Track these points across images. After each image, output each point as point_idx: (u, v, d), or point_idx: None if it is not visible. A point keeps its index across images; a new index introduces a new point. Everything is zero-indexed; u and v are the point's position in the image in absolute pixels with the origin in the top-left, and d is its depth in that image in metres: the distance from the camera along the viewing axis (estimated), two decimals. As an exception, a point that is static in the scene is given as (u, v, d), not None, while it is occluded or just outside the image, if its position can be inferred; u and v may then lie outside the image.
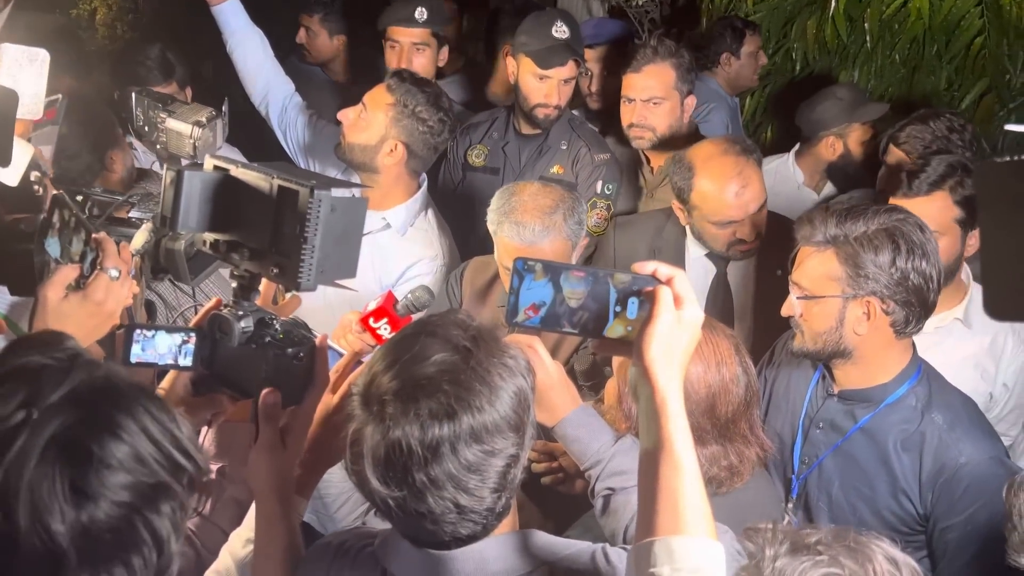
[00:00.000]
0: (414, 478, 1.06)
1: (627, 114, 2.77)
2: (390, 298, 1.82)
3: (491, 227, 2.15)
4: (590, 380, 1.88)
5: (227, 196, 1.24)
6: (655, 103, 2.72)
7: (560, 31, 2.71)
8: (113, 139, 2.43)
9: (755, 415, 1.64)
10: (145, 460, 0.84)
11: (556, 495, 1.87)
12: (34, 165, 1.82)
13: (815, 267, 1.77)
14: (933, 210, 2.04)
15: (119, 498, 0.81)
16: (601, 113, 3.18)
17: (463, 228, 2.65)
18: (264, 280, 1.31)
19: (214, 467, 1.42)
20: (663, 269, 1.09)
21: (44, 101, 1.81)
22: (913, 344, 1.86)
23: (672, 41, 2.82)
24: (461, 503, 1.09)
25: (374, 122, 2.39)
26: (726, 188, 2.27)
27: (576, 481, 1.82)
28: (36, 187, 1.87)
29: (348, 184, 2.23)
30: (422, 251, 2.42)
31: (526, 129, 2.84)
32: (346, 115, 2.42)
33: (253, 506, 1.32)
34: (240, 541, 1.32)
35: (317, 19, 3.49)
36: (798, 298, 1.81)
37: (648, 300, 1.08)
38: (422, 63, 2.98)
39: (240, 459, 1.36)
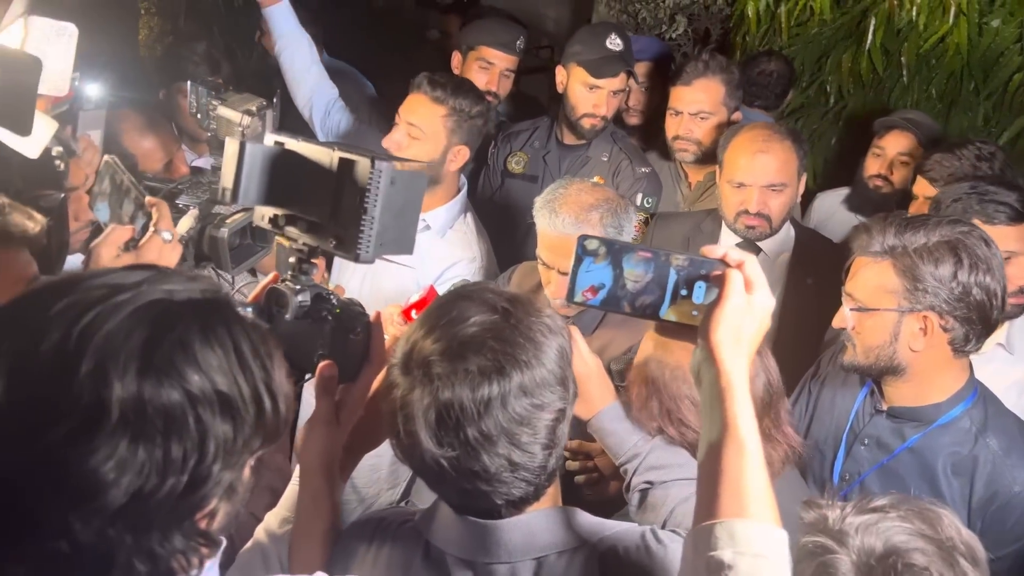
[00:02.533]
0: (467, 435, 1.06)
1: (673, 126, 2.80)
2: (432, 292, 1.83)
3: (536, 218, 2.15)
4: (625, 381, 1.86)
5: (287, 169, 1.24)
6: (703, 117, 2.76)
7: (614, 43, 2.74)
8: (174, 145, 2.48)
9: (781, 413, 1.58)
10: (225, 372, 0.82)
11: (587, 501, 1.85)
12: (57, 141, 1.83)
13: (871, 278, 1.73)
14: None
15: (184, 387, 0.79)
16: (639, 129, 3.20)
17: (500, 233, 2.66)
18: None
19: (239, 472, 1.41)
20: (734, 253, 1.08)
21: (70, 77, 1.81)
22: (970, 364, 1.81)
23: (723, 57, 2.85)
24: (514, 459, 1.08)
25: (432, 136, 2.40)
26: (747, 147, 2.36)
27: (610, 483, 1.79)
28: (58, 162, 1.86)
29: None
30: (461, 253, 2.43)
31: (569, 139, 2.87)
32: (397, 143, 2.41)
33: (290, 486, 1.31)
34: (277, 520, 1.31)
35: None
36: (851, 310, 1.76)
37: (716, 284, 1.07)
38: (506, 86, 3.04)
39: (277, 445, 1.35)
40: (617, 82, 2.76)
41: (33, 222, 1.51)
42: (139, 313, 0.80)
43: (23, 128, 1.50)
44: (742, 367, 1.05)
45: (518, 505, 1.14)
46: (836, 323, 1.80)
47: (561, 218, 2.05)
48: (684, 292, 1.09)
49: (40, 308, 0.79)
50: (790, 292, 2.35)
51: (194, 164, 2.76)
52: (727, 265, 1.07)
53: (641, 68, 3.14)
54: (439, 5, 8.55)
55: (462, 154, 2.44)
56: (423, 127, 2.40)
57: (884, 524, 1.08)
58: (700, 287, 1.09)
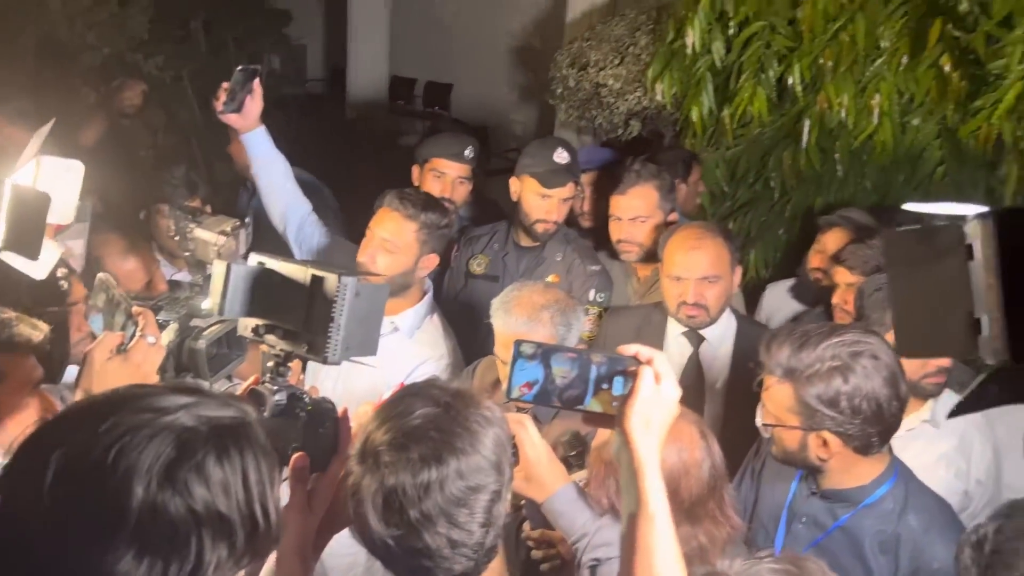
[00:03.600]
0: (409, 516, 1.21)
1: (615, 231, 3.05)
2: (402, 388, 1.98)
3: (492, 319, 2.33)
4: (574, 450, 2.00)
5: (266, 286, 1.43)
6: (641, 221, 3.01)
7: (561, 156, 3.02)
8: (153, 264, 2.67)
9: (724, 496, 1.73)
10: (229, 493, 0.92)
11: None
12: (61, 263, 2.04)
13: (775, 397, 1.89)
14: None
15: (191, 506, 0.89)
16: (593, 230, 3.45)
17: (465, 332, 2.84)
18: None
19: None
20: (644, 351, 1.27)
21: (75, 208, 2.03)
22: (889, 446, 1.95)
23: (654, 165, 3.11)
24: (454, 537, 1.23)
25: (405, 248, 2.62)
26: (682, 244, 2.60)
27: (573, 569, 1.93)
28: (62, 282, 2.09)
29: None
30: (429, 352, 2.60)
31: (525, 241, 3.11)
32: (372, 256, 2.62)
33: (266, 567, 1.44)
34: None
35: None
36: (764, 424, 1.93)
37: (631, 378, 1.26)
38: (461, 193, 3.30)
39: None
40: (565, 191, 3.03)
41: (37, 331, 1.71)
42: (171, 437, 0.91)
43: (32, 253, 1.70)
44: (653, 450, 1.23)
45: None
46: (759, 421, 1.95)
47: (514, 318, 2.24)
48: (605, 385, 1.27)
49: (92, 423, 0.91)
50: (734, 377, 2.54)
51: (172, 278, 2.93)
52: (639, 361, 1.27)
53: (589, 176, 3.42)
54: (412, 112, 8.96)
55: (432, 261, 2.66)
56: (396, 241, 2.62)
57: (757, 568, 1.24)
58: (619, 380, 1.27)
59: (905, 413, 2.00)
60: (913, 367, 2.15)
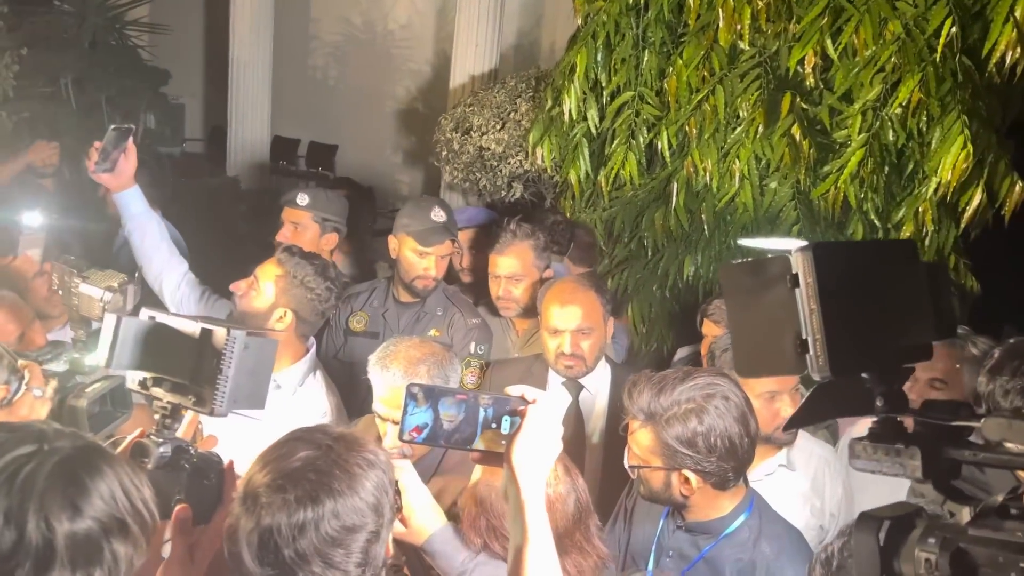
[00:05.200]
0: (284, 555, 1.24)
1: (495, 287, 3.19)
2: (288, 433, 1.99)
3: (369, 374, 2.36)
4: None
5: (156, 339, 1.45)
6: (517, 279, 3.13)
7: (438, 215, 3.11)
8: (27, 318, 2.58)
9: (591, 527, 1.82)
10: (117, 500, 1.06)
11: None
12: None
13: (639, 440, 2.01)
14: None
15: (97, 520, 1.01)
16: (472, 285, 3.56)
17: (345, 389, 2.86)
18: (186, 422, 1.50)
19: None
20: (529, 391, 1.35)
21: None
22: (746, 479, 2.09)
23: (528, 225, 3.26)
24: None
25: (264, 291, 2.62)
26: (557, 298, 2.73)
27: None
28: None
29: (261, 331, 2.43)
30: (311, 409, 2.61)
31: (404, 297, 3.18)
32: (238, 286, 2.65)
33: None
34: None
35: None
36: (631, 466, 2.04)
37: (518, 417, 1.34)
38: (303, 241, 3.31)
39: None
40: (443, 248, 3.14)
41: None
42: (55, 469, 1.01)
43: None
44: (538, 484, 1.31)
45: None
46: (626, 463, 2.07)
47: (392, 372, 2.28)
48: (494, 425, 1.34)
49: None
50: (612, 422, 2.66)
51: (51, 337, 2.84)
52: (525, 401, 1.34)
53: (469, 234, 3.54)
54: (295, 172, 8.94)
55: (288, 318, 2.62)
56: (261, 280, 2.63)
57: None
58: (507, 420, 1.35)
59: (763, 457, 2.16)
60: (765, 421, 2.29)
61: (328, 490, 1.28)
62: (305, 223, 3.41)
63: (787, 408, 2.35)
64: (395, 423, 2.25)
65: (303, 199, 3.43)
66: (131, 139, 2.81)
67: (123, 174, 2.84)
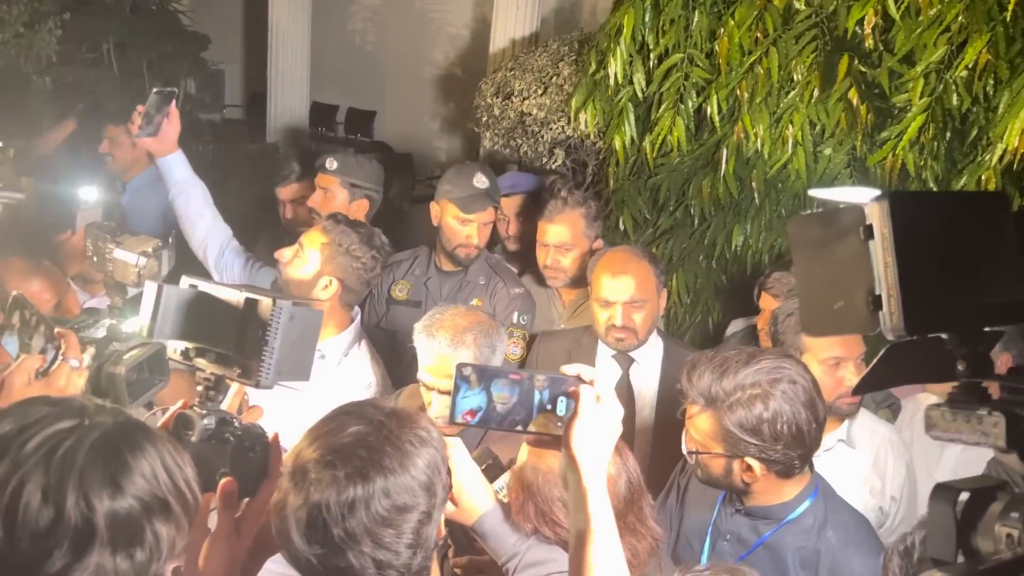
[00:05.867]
0: (333, 534, 1.20)
1: (542, 256, 3.10)
2: (338, 407, 1.95)
3: (415, 343, 2.31)
4: (483, 463, 1.98)
5: (198, 309, 1.40)
6: (566, 249, 3.04)
7: (481, 181, 3.03)
8: (63, 286, 2.57)
9: (644, 508, 1.74)
10: (159, 478, 1.02)
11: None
12: None
13: (698, 425, 1.92)
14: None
15: (138, 499, 0.97)
16: (518, 254, 3.48)
17: (388, 359, 2.81)
18: (232, 392, 1.46)
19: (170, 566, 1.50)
20: (587, 371, 1.28)
21: None
22: (811, 463, 2.00)
23: (580, 193, 3.16)
24: (379, 558, 1.21)
25: (310, 259, 2.58)
26: (609, 269, 2.64)
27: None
28: None
29: (306, 300, 2.39)
30: (356, 380, 2.56)
31: (447, 266, 3.11)
32: (283, 254, 2.61)
33: None
34: None
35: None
36: (689, 451, 1.96)
37: (574, 399, 1.27)
38: (333, 206, 3.24)
39: (195, 557, 1.45)
40: (485, 216, 3.06)
41: None
42: (95, 445, 0.97)
43: None
44: (599, 470, 1.24)
45: None
46: (684, 448, 1.98)
47: (438, 340, 2.23)
48: (549, 407, 1.28)
49: (9, 452, 0.95)
50: (663, 397, 2.58)
51: (87, 305, 2.83)
52: (582, 381, 1.27)
53: (516, 201, 3.45)
54: (334, 139, 8.91)
55: (333, 287, 2.57)
56: (306, 247, 2.58)
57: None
58: (562, 402, 1.28)
59: (823, 431, 2.06)
60: (828, 389, 2.19)
61: (379, 467, 1.23)
62: (334, 189, 3.33)
63: (851, 377, 2.25)
64: (440, 392, 2.21)
65: (332, 164, 3.35)
66: (174, 103, 2.76)
67: (167, 138, 2.80)
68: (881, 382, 1.18)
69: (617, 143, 3.94)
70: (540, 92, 4.88)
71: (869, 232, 0.88)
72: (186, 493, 1.04)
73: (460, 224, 3.06)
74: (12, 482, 0.92)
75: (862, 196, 0.94)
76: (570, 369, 1.28)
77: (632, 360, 2.71)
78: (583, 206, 3.11)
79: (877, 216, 0.88)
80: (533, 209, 3.39)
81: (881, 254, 0.87)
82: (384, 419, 1.28)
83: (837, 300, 0.94)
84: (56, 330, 1.60)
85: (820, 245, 0.96)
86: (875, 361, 0.97)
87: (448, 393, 2.17)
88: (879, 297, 0.87)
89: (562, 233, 3.09)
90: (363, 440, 1.25)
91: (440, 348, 2.22)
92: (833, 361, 2.25)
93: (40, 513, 0.92)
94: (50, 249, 3.12)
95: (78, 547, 0.93)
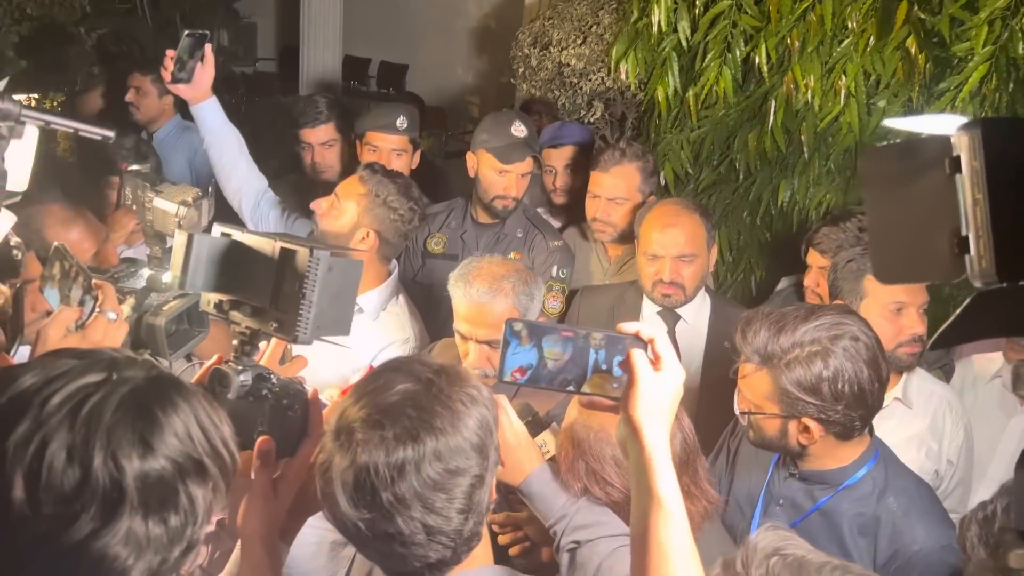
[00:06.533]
0: (381, 498, 1.13)
1: (592, 208, 2.98)
2: (371, 371, 1.90)
3: (451, 292, 2.24)
4: (524, 420, 1.94)
5: (232, 259, 1.33)
6: (619, 202, 2.93)
7: (519, 130, 2.92)
8: (102, 235, 2.54)
9: (699, 470, 1.67)
10: (193, 437, 0.94)
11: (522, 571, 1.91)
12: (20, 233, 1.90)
13: (753, 384, 1.83)
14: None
15: (170, 460, 0.91)
16: (564, 207, 3.38)
17: (424, 313, 2.75)
18: (274, 341, 1.39)
19: (213, 519, 1.46)
20: (646, 330, 1.19)
21: (29, 175, 1.90)
22: (871, 427, 1.91)
23: (639, 145, 3.04)
24: (429, 523, 1.15)
25: (347, 211, 2.51)
26: (658, 221, 2.54)
27: (542, 550, 1.86)
28: (16, 252, 1.94)
29: (344, 249, 2.34)
30: (394, 334, 2.51)
31: (483, 218, 3.02)
32: (319, 204, 2.54)
33: (234, 555, 1.36)
34: None
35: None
36: (742, 412, 1.87)
37: (630, 359, 1.18)
38: (399, 166, 3.14)
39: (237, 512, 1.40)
40: (524, 166, 2.95)
41: None
42: (124, 401, 0.90)
43: None
44: (662, 439, 1.15)
45: (439, 568, 1.20)
46: (736, 408, 1.89)
47: (475, 288, 2.16)
48: (604, 367, 1.19)
49: (32, 408, 0.88)
50: (709, 356, 2.50)
51: (124, 255, 2.80)
52: (640, 340, 1.18)
53: (566, 152, 3.34)
54: (366, 93, 8.81)
55: (371, 239, 2.51)
56: (342, 200, 2.51)
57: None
58: (617, 361, 1.19)
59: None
60: (888, 336, 2.09)
61: (429, 428, 1.16)
62: (404, 147, 3.23)
63: (914, 325, 2.15)
64: (478, 342, 2.15)
65: (403, 123, 3.21)
66: (207, 48, 2.68)
67: (201, 85, 2.72)
68: (966, 334, 1.07)
69: (659, 94, 3.81)
70: (579, 42, 4.74)
71: (956, 165, 0.80)
72: (223, 453, 0.96)
73: (498, 175, 2.96)
74: (35, 440, 0.85)
75: (947, 125, 0.83)
76: (629, 327, 1.19)
77: (678, 317, 2.61)
78: (641, 159, 2.98)
79: (966, 146, 0.79)
80: (582, 161, 3.28)
81: (969, 189, 0.79)
82: (433, 376, 1.21)
83: (916, 243, 0.85)
84: (93, 281, 1.54)
85: (898, 180, 0.87)
86: (960, 310, 0.87)
87: (486, 343, 2.14)
88: (966, 239, 0.79)
89: (616, 185, 2.96)
90: (412, 399, 1.18)
91: (478, 296, 2.16)
92: (895, 307, 2.15)
93: (65, 474, 0.85)
94: (89, 197, 3.08)
95: (106, 511, 0.86)
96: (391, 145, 3.20)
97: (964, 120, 0.83)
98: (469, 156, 3.06)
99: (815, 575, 1.02)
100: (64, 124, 1.59)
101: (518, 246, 3.01)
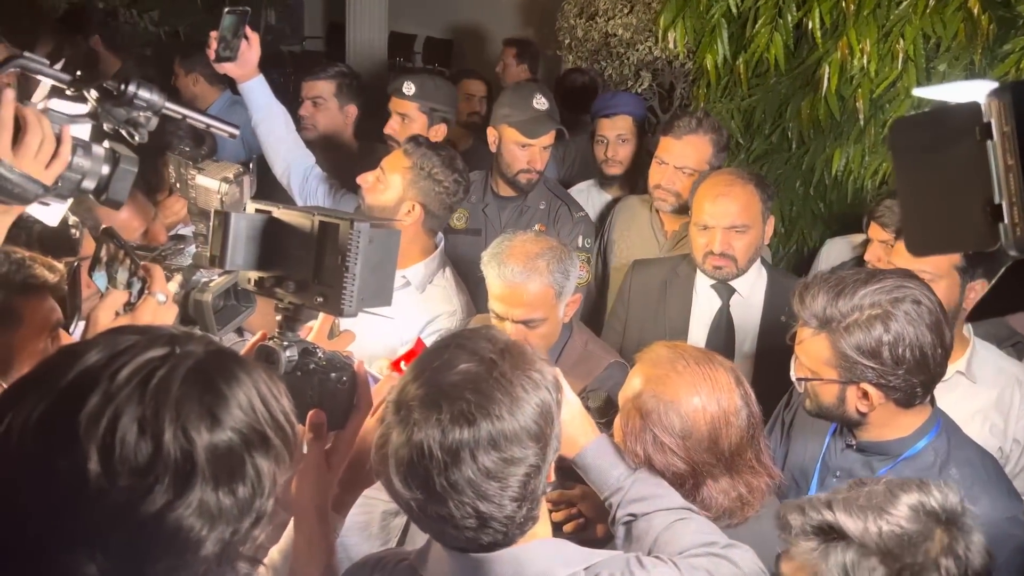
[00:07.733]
0: (434, 482, 1.12)
1: (656, 175, 2.91)
2: (420, 344, 1.90)
3: (484, 272, 2.22)
4: (604, 417, 1.93)
5: (270, 235, 1.33)
6: (687, 172, 2.86)
7: (540, 103, 2.90)
8: (151, 213, 2.57)
9: (761, 444, 1.64)
10: (256, 410, 0.94)
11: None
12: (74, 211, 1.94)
13: (810, 349, 1.77)
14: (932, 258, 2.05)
15: (237, 432, 0.91)
16: (617, 178, 3.34)
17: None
18: (321, 317, 1.39)
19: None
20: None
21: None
22: (932, 396, 1.85)
23: (716, 119, 2.97)
24: (481, 510, 1.13)
25: (392, 184, 2.50)
26: (710, 191, 2.46)
27: (596, 526, 1.85)
28: (73, 231, 1.98)
29: (383, 220, 2.34)
30: (441, 307, 2.50)
31: (504, 191, 3.01)
32: (365, 179, 2.54)
33: (288, 527, 1.37)
34: (279, 554, 1.36)
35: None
36: (798, 378, 1.82)
37: None
38: (409, 131, 3.08)
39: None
40: (547, 139, 2.91)
41: (53, 272, 1.63)
42: (189, 374, 0.91)
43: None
44: None
45: (489, 549, 1.19)
46: (793, 375, 1.84)
47: (510, 268, 2.14)
48: None
49: (101, 382, 0.89)
50: (764, 331, 2.43)
51: (178, 232, 2.84)
52: None
53: (619, 122, 3.29)
54: (412, 70, 8.79)
55: (416, 212, 2.50)
56: (388, 173, 2.51)
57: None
58: None
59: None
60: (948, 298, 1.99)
61: (485, 413, 1.13)
62: (412, 114, 3.21)
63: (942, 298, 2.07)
64: (514, 322, 2.13)
65: (409, 88, 3.21)
66: (248, 25, 2.68)
67: (247, 63, 2.72)
68: (1002, 307, 1.03)
69: (708, 63, 3.72)
70: (626, 11, 4.67)
71: (987, 131, 0.77)
72: (284, 425, 0.96)
73: (521, 149, 2.93)
74: (107, 414, 0.85)
75: (976, 92, 0.79)
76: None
77: (733, 291, 2.55)
78: (716, 132, 2.90)
79: (997, 112, 0.77)
80: (635, 130, 3.24)
81: (1002, 156, 0.76)
82: (496, 356, 1.18)
83: (948, 213, 0.82)
84: (142, 263, 1.56)
85: (928, 149, 0.84)
86: (995, 282, 0.84)
87: (523, 323, 2.12)
88: (999, 206, 0.76)
89: (686, 154, 2.87)
90: (472, 381, 1.15)
91: (512, 276, 2.13)
92: (927, 278, 2.07)
93: (138, 447, 0.85)
94: (142, 174, 3.12)
95: (179, 483, 0.86)
96: (396, 108, 3.21)
97: (993, 85, 0.79)
98: (490, 131, 3.03)
99: None
100: (198, 119, 1.60)
101: (542, 218, 3.00)
